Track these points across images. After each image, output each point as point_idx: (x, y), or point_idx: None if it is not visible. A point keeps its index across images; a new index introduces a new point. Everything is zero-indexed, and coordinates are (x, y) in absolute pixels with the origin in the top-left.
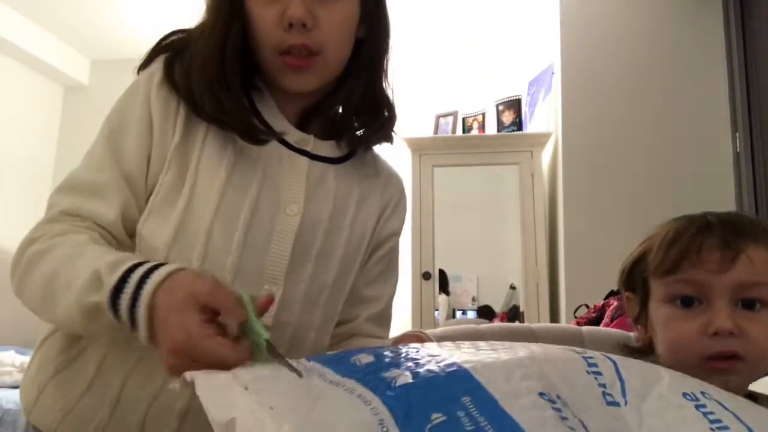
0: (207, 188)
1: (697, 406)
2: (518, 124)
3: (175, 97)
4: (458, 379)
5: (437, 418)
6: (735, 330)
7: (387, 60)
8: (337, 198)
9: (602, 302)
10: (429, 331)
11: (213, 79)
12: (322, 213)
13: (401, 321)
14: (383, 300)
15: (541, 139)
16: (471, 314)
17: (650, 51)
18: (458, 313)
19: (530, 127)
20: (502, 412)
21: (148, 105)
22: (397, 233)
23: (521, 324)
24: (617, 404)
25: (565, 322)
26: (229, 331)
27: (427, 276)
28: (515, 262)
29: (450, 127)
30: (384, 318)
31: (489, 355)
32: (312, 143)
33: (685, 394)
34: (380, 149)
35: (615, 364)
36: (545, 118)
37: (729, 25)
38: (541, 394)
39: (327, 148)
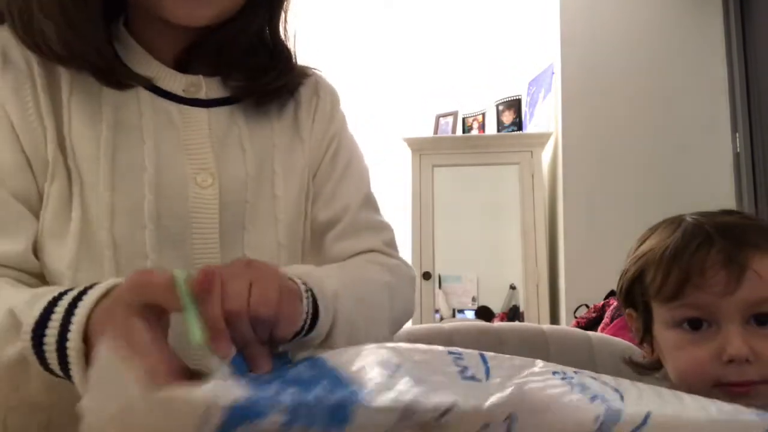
0: (94, 185)
1: (561, 378)
2: (518, 124)
3: (26, 74)
4: (311, 361)
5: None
6: (751, 356)
7: (286, 9)
8: (254, 144)
9: (602, 302)
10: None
11: (66, 1)
12: (244, 169)
13: None
14: (382, 220)
15: (541, 139)
16: (470, 314)
17: (650, 51)
18: (458, 314)
19: (530, 127)
20: (332, 370)
21: None
22: (337, 135)
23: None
24: (478, 380)
25: (565, 323)
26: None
27: (427, 276)
28: (515, 262)
29: (450, 127)
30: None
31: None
32: (204, 87)
33: (554, 372)
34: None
35: (483, 356)
36: (545, 118)
37: (729, 25)
38: (377, 362)
39: (221, 87)
